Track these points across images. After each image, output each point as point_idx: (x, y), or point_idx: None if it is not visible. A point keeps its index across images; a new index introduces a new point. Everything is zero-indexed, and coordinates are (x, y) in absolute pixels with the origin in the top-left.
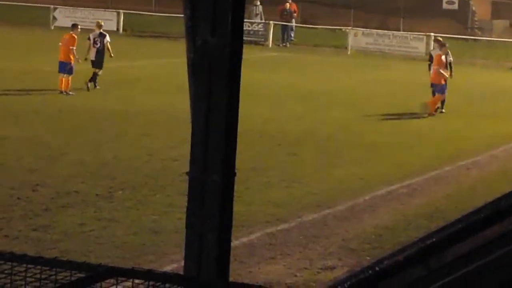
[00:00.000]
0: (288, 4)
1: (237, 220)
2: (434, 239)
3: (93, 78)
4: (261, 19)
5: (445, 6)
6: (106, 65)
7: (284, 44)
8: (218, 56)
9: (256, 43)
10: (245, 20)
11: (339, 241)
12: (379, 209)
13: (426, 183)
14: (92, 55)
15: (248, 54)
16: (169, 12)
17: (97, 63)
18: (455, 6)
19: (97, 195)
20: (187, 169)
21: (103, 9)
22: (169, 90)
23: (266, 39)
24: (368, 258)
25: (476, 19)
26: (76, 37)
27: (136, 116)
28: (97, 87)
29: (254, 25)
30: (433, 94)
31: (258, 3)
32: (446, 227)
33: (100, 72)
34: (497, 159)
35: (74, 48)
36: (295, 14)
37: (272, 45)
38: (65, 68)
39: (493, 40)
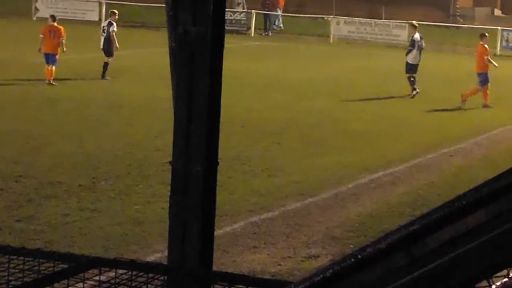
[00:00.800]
0: None
1: (220, 210)
2: (416, 226)
3: (104, 68)
4: (243, 8)
5: None
6: (90, 55)
7: (266, 33)
8: (200, 45)
9: (238, 32)
10: (226, 9)
11: (323, 229)
12: (362, 197)
13: (409, 171)
14: (101, 44)
15: (230, 43)
16: (150, 2)
17: (106, 51)
18: None
19: (80, 185)
20: (170, 159)
21: (85, 0)
22: (151, 80)
23: (249, 28)
24: (352, 246)
25: (458, 6)
26: (63, 28)
27: (119, 106)
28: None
29: (236, 14)
30: (483, 84)
31: None
32: (428, 214)
33: (110, 60)
34: (480, 146)
35: (64, 39)
36: (282, 3)
37: (254, 34)
38: (52, 59)
39: (475, 27)
